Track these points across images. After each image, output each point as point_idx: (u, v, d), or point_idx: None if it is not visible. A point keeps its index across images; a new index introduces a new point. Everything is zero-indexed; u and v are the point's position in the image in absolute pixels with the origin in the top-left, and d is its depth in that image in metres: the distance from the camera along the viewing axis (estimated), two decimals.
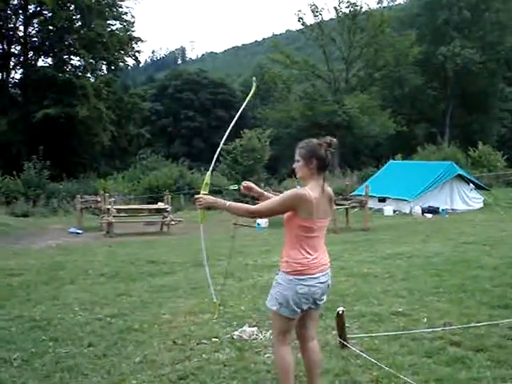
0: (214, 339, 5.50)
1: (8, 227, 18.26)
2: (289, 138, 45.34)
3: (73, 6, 40.29)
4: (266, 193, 4.15)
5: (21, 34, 41.37)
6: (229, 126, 4.15)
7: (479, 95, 49.66)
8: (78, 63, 42.56)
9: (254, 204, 3.81)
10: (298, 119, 47.74)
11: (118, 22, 44.14)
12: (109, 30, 42.23)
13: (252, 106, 60.60)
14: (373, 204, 20.82)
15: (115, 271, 9.56)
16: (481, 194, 22.74)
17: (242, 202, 3.83)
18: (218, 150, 4.09)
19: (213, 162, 4.11)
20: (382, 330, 5.56)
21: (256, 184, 4.16)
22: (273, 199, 3.73)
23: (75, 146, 40.50)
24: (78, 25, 41.25)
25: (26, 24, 41.05)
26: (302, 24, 49.27)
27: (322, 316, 5.73)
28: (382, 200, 21.84)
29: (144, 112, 48.73)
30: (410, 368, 4.55)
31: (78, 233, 17.35)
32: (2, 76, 41.60)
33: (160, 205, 18.68)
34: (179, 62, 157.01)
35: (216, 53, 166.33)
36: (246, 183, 4.12)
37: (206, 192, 3.78)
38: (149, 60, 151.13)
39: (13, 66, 42.24)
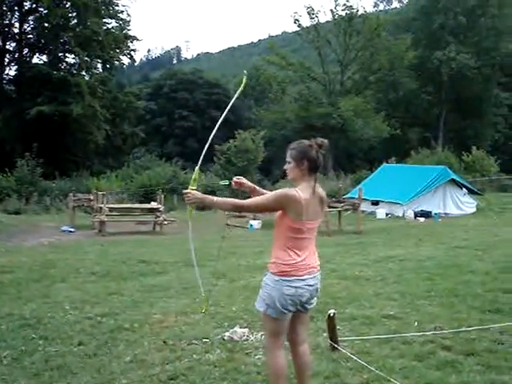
0: (204, 340, 5.49)
1: (0, 224, 18.20)
2: (283, 139, 45.29)
3: (69, 3, 40.18)
4: (257, 187, 4.14)
5: (16, 30, 41.25)
6: (221, 122, 4.13)
7: (473, 100, 49.78)
8: (73, 61, 42.45)
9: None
10: (292, 121, 47.79)
11: (113, 21, 44.04)
12: (104, 28, 42.12)
13: (247, 106, 60.65)
14: (366, 207, 20.86)
15: (107, 270, 9.54)
16: (474, 198, 22.83)
17: (232, 198, 3.80)
18: (207, 145, 4.07)
19: (201, 157, 4.08)
20: (373, 333, 5.56)
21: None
22: (262, 196, 3.74)
23: (69, 143, 40.36)
24: (73, 22, 41.13)
25: (22, 21, 40.92)
26: (298, 26, 49.27)
27: (312, 318, 5.73)
28: (375, 203, 21.88)
29: (139, 111, 48.62)
30: (401, 371, 4.55)
31: (71, 231, 17.31)
32: None
33: (153, 204, 18.66)
34: (174, 61, 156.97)
35: (211, 53, 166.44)
36: (237, 178, 4.11)
37: (195, 187, 3.77)
38: (144, 59, 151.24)
39: (7, 62, 42.09)
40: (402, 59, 46.19)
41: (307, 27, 48.75)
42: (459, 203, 22.08)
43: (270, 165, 40.29)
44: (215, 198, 3.79)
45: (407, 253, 11.10)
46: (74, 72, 41.16)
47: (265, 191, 4.05)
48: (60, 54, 42.21)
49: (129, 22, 44.96)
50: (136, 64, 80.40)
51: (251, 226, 17.79)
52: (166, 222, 17.80)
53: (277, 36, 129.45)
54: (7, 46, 41.57)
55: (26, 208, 23.30)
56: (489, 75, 49.37)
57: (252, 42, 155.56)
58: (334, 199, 18.22)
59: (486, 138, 50.53)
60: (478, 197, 23.57)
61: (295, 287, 3.57)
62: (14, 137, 36.16)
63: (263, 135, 32.14)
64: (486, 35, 49.12)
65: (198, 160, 4.01)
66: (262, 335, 5.45)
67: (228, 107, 4.27)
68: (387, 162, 29.50)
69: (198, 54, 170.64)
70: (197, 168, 3.95)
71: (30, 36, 42.15)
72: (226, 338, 5.51)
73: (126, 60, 48.87)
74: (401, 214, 20.73)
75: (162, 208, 18.09)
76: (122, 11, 44.29)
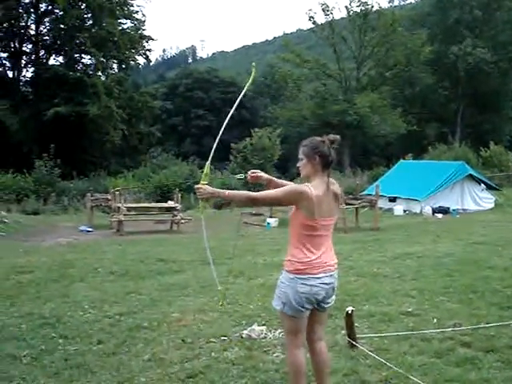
0: (222, 338, 5.50)
1: (19, 225, 18.35)
2: (299, 137, 44.90)
3: (84, 4, 40.47)
4: (275, 179, 4.11)
5: (32, 32, 41.62)
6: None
7: (491, 95, 49.33)
8: (88, 62, 42.84)
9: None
10: (308, 118, 47.72)
11: (128, 21, 44.34)
12: (120, 28, 42.35)
13: (262, 105, 60.63)
14: (383, 204, 20.76)
15: (125, 269, 9.57)
16: (492, 194, 22.63)
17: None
18: (218, 138, 4.07)
19: (212, 152, 4.09)
20: (392, 330, 5.54)
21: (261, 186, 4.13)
22: (276, 189, 3.68)
23: (86, 144, 40.64)
24: (89, 23, 41.46)
25: (38, 23, 41.29)
26: (313, 23, 49.20)
27: (331, 315, 5.72)
28: (393, 200, 21.75)
29: (155, 111, 48.79)
30: (420, 368, 4.53)
31: (89, 231, 17.39)
32: (14, 74, 41.87)
33: (170, 203, 18.70)
34: (190, 60, 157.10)
35: (227, 52, 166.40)
36: (252, 172, 4.09)
37: (206, 182, 3.77)
38: (160, 59, 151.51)
39: (24, 64, 42.50)
40: (418, 54, 45.94)
41: (322, 24, 48.67)
42: (477, 199, 21.89)
43: (286, 162, 40.18)
44: (227, 192, 3.79)
45: (425, 249, 11.03)
46: (90, 73, 41.46)
47: (285, 182, 4.01)
48: (76, 55, 42.53)
49: (144, 22, 45.29)
50: (151, 64, 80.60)
51: (268, 224, 17.77)
52: (183, 221, 17.82)
53: (291, 33, 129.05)
54: (24, 48, 41.96)
55: (45, 208, 23.46)
56: (506, 69, 48.85)
57: (267, 40, 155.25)
58: (350, 196, 18.15)
59: (504, 132, 50.17)
60: (497, 192, 23.35)
61: (310, 285, 3.55)
62: (32, 138, 36.46)
63: (279, 133, 32.11)
64: (502, 29, 48.73)
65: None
66: (279, 333, 5.45)
67: (238, 99, 4.27)
68: (404, 159, 29.31)
69: (214, 53, 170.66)
70: (208, 163, 3.95)
71: (46, 38, 42.53)
72: (244, 335, 5.51)
73: (141, 60, 49.23)
74: (418, 211, 20.60)
75: (179, 207, 18.13)
76: (137, 11, 44.65)
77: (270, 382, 4.39)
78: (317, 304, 3.66)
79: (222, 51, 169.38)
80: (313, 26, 50.13)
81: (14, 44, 41.22)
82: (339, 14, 58.26)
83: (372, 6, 47.08)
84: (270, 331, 5.60)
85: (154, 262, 10.38)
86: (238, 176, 4.43)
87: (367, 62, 49.66)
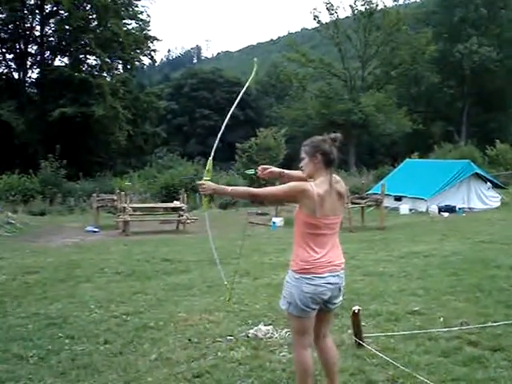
0: (229, 337, 5.50)
1: (25, 225, 18.38)
2: (304, 136, 44.53)
3: (89, 5, 40.57)
4: (286, 171, 4.09)
5: (37, 33, 41.80)
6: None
7: (497, 93, 49.18)
8: (94, 62, 42.93)
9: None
10: (313, 118, 47.71)
11: (133, 22, 44.48)
12: (125, 29, 42.47)
13: (268, 104, 60.61)
14: (389, 203, 20.71)
15: (131, 269, 9.58)
16: (498, 192, 22.55)
17: (259, 187, 3.73)
18: (220, 133, 4.08)
19: (213, 149, 4.09)
20: (398, 330, 5.53)
21: (272, 183, 4.13)
22: (278, 186, 3.67)
23: (91, 145, 40.77)
24: (94, 24, 41.54)
25: (43, 24, 41.42)
26: (318, 22, 49.24)
27: (337, 315, 5.72)
28: (398, 199, 21.70)
29: (160, 111, 48.91)
30: (427, 367, 4.52)
31: (95, 231, 17.42)
32: (19, 75, 42.00)
33: (176, 203, 18.70)
34: (195, 60, 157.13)
35: (231, 52, 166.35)
36: (263, 167, 4.09)
37: (209, 178, 3.77)
38: (164, 59, 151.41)
39: (29, 65, 42.66)
40: (423, 53, 45.86)
41: (327, 23, 48.71)
42: (484, 197, 21.81)
43: (291, 162, 40.11)
44: (230, 188, 3.82)
45: (431, 248, 11.00)
46: (96, 73, 41.57)
47: (296, 172, 3.97)
48: (81, 56, 42.65)
49: (148, 22, 45.40)
50: (156, 64, 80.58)
51: (273, 223, 17.76)
52: (188, 221, 17.82)
53: (296, 33, 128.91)
54: (29, 49, 42.12)
55: (51, 209, 23.54)
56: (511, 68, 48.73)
57: (271, 40, 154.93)
58: (356, 195, 18.13)
59: (510, 131, 49.96)
60: (503, 191, 23.28)
61: (315, 285, 3.53)
62: (37, 139, 36.59)
63: (284, 132, 32.13)
64: (507, 27, 48.53)
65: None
66: (286, 332, 5.45)
67: (241, 93, 4.27)
68: (409, 157, 29.25)
69: (218, 53, 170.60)
70: (210, 159, 3.95)
71: (51, 39, 42.66)
72: (250, 335, 5.51)
73: (146, 60, 49.32)
74: (424, 210, 20.54)
75: (184, 207, 18.13)
76: (142, 12, 44.79)
77: (276, 382, 4.39)
78: (323, 304, 3.65)
79: (227, 51, 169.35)
80: (317, 25, 50.18)
81: (20, 45, 41.36)
82: (344, 13, 58.04)
83: (377, 5, 47.17)
84: (277, 331, 5.59)
85: (160, 262, 10.40)
86: (249, 171, 4.40)
87: (372, 61, 49.64)
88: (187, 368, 4.72)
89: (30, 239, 15.53)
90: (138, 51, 44.54)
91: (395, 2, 57.27)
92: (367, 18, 46.76)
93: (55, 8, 40.43)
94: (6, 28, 40.39)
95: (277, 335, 5.49)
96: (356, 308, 5.00)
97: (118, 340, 5.53)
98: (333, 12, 47.89)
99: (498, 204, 22.04)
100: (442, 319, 5.84)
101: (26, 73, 42.21)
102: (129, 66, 45.14)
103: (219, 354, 5.05)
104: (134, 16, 44.02)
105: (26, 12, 40.27)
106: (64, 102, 36.66)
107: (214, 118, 58.97)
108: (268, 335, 5.49)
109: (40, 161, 27.46)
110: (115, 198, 19.22)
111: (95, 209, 19.50)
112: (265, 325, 5.75)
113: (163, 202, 22.73)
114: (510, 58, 47.75)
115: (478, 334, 5.27)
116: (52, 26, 42.05)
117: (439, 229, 14.99)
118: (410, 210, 20.87)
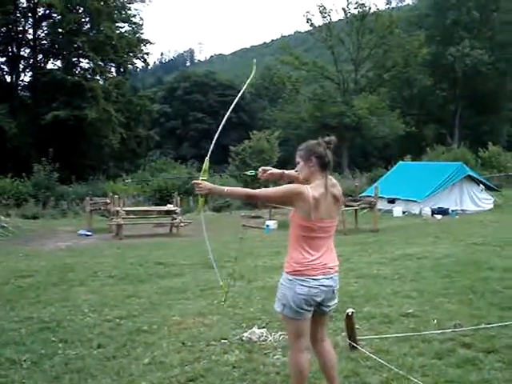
0: (223, 341, 5.48)
1: (18, 229, 18.33)
2: (298, 139, 45.16)
3: (82, 8, 40.51)
4: (287, 171, 4.10)
5: (30, 36, 41.70)
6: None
7: (489, 96, 49.45)
8: (87, 65, 42.89)
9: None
10: (307, 120, 47.87)
11: (126, 25, 44.47)
12: (118, 32, 42.45)
13: (261, 107, 60.64)
14: (382, 205, 20.75)
15: (124, 273, 9.57)
16: (491, 194, 22.63)
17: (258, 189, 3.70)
18: (217, 134, 4.07)
19: (211, 148, 4.07)
20: (392, 332, 5.53)
21: (265, 185, 4.12)
22: (274, 188, 3.67)
23: (84, 148, 40.67)
24: (86, 27, 41.54)
25: (35, 27, 41.33)
26: (311, 25, 49.40)
27: (331, 317, 5.70)
28: (392, 201, 21.74)
29: (153, 114, 48.86)
30: (420, 369, 4.52)
31: (88, 235, 17.38)
32: (12, 79, 41.90)
33: (169, 206, 18.68)
34: (188, 64, 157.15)
35: (224, 55, 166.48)
36: (263, 168, 4.10)
37: (205, 178, 3.77)
38: (157, 62, 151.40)
39: (22, 68, 42.55)
40: (416, 56, 46.08)
41: (320, 26, 48.87)
42: (476, 200, 21.88)
43: (285, 165, 40.06)
44: (226, 188, 3.85)
45: (424, 250, 11.01)
46: (88, 76, 41.48)
47: (296, 173, 3.89)
48: (74, 59, 42.56)
49: (141, 25, 45.44)
50: (150, 67, 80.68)
51: (267, 226, 17.75)
52: (182, 224, 17.80)
53: (289, 36, 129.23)
54: (22, 53, 42.01)
55: (44, 212, 23.48)
56: (504, 70, 49.03)
57: (264, 43, 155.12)
58: (350, 198, 18.15)
59: (502, 133, 50.27)
60: (495, 193, 23.35)
61: (308, 287, 3.54)
62: (30, 142, 36.49)
63: (278, 135, 32.13)
64: (499, 30, 48.80)
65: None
66: (280, 335, 5.45)
67: (240, 93, 4.27)
68: (402, 160, 29.32)
69: (212, 56, 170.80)
70: (207, 159, 3.94)
71: (44, 42, 42.58)
72: (244, 338, 5.50)
73: (139, 63, 49.37)
74: (418, 212, 20.59)
75: (178, 210, 18.11)
76: (135, 15, 44.80)
77: None
78: (317, 306, 3.65)
79: (220, 54, 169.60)
80: (310, 28, 50.32)
81: (12, 48, 41.23)
82: (337, 16, 58.53)
83: (369, 8, 47.34)
84: (271, 334, 5.58)
85: (154, 266, 10.38)
86: (249, 172, 4.39)
87: (365, 64, 49.84)
88: (181, 372, 4.70)
89: (23, 243, 15.48)
90: (131, 54, 44.53)
91: (388, 5, 57.63)
92: (360, 21, 46.94)
93: (48, 11, 40.35)
94: None
95: (271, 338, 5.48)
96: (350, 310, 5.00)
97: (111, 344, 5.52)
98: (326, 15, 48.13)
99: (491, 206, 22.12)
100: (435, 321, 5.84)
101: (18, 76, 42.10)
102: (122, 69, 45.16)
103: (213, 357, 5.04)
104: (126, 19, 44.03)
105: (18, 15, 40.19)
106: (57, 106, 36.59)
107: (207, 121, 59.00)
108: (262, 338, 5.48)
109: (33, 164, 27.37)
110: (108, 201, 19.19)
111: (88, 212, 19.48)
112: (259, 328, 5.74)
113: (157, 205, 22.70)
114: (501, 61, 48.05)
115: (472, 336, 5.27)
116: (45, 29, 41.99)
117: (432, 231, 15.00)
118: (404, 212, 20.91)
